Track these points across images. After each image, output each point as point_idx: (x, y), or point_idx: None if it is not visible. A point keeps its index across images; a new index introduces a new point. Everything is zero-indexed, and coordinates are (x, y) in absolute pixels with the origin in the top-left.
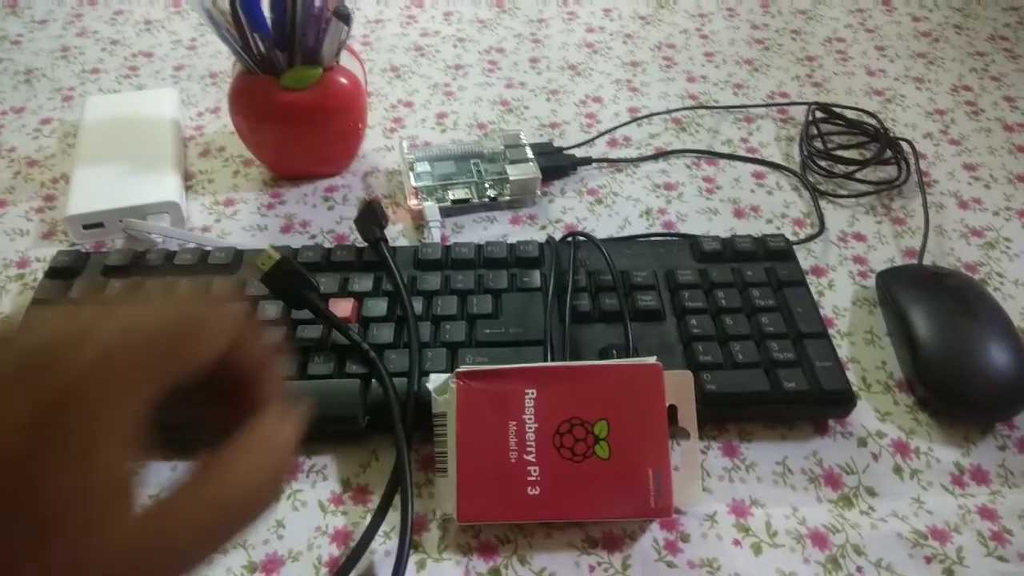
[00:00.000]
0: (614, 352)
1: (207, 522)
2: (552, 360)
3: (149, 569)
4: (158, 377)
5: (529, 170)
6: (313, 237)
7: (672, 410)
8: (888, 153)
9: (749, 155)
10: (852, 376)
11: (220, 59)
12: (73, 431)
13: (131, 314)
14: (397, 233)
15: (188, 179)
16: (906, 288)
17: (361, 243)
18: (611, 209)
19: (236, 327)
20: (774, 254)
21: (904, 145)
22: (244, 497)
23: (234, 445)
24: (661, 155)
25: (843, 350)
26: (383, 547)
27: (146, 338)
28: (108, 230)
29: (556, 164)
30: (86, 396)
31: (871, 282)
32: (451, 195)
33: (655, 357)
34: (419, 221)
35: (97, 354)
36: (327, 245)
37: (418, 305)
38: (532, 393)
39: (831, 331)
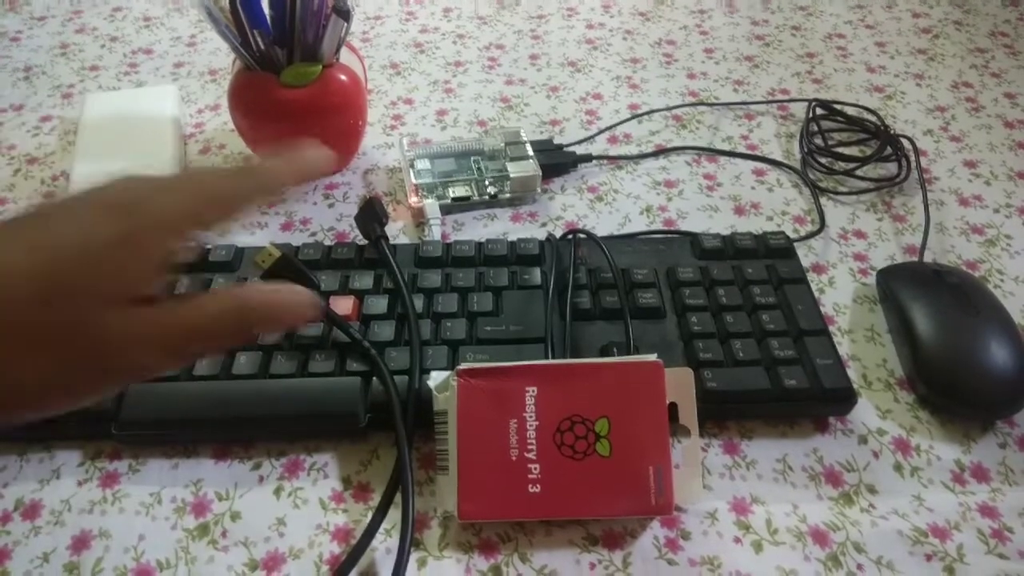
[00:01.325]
0: (615, 350)
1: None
2: (553, 358)
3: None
4: (180, 240)
5: (529, 167)
6: (313, 235)
7: (673, 408)
8: (888, 150)
9: (749, 152)
10: (853, 374)
11: (220, 56)
12: (133, 256)
13: (179, 194)
14: (397, 231)
15: None
16: (907, 285)
17: (361, 241)
18: (611, 206)
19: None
20: (775, 251)
21: (904, 142)
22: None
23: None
24: (661, 152)
25: (844, 348)
26: (384, 545)
27: (182, 215)
28: None
29: (556, 161)
30: (142, 239)
31: (872, 279)
32: (451, 192)
33: (656, 355)
34: (419, 219)
35: (158, 213)
36: (327, 243)
37: (419, 303)
38: (533, 391)
39: (832, 328)
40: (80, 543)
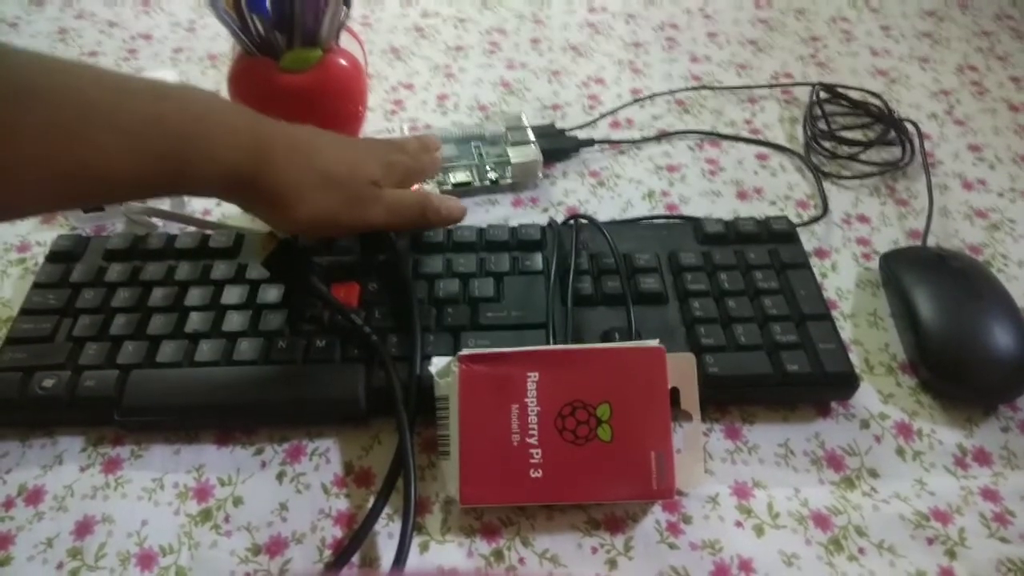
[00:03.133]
0: (616, 335)
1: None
2: (554, 343)
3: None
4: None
5: (531, 152)
6: None
7: (675, 393)
8: (892, 134)
9: (752, 136)
10: (855, 358)
11: (219, 41)
12: (379, 171)
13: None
14: None
15: None
16: (909, 270)
17: None
18: (613, 191)
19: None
20: (777, 236)
21: (908, 126)
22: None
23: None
24: (664, 136)
25: (846, 332)
26: (386, 529)
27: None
28: (108, 214)
29: (558, 146)
30: (386, 164)
31: (874, 264)
32: (452, 178)
33: (657, 340)
34: None
35: (394, 162)
36: None
37: (420, 289)
38: (534, 376)
39: (834, 313)
40: (83, 528)
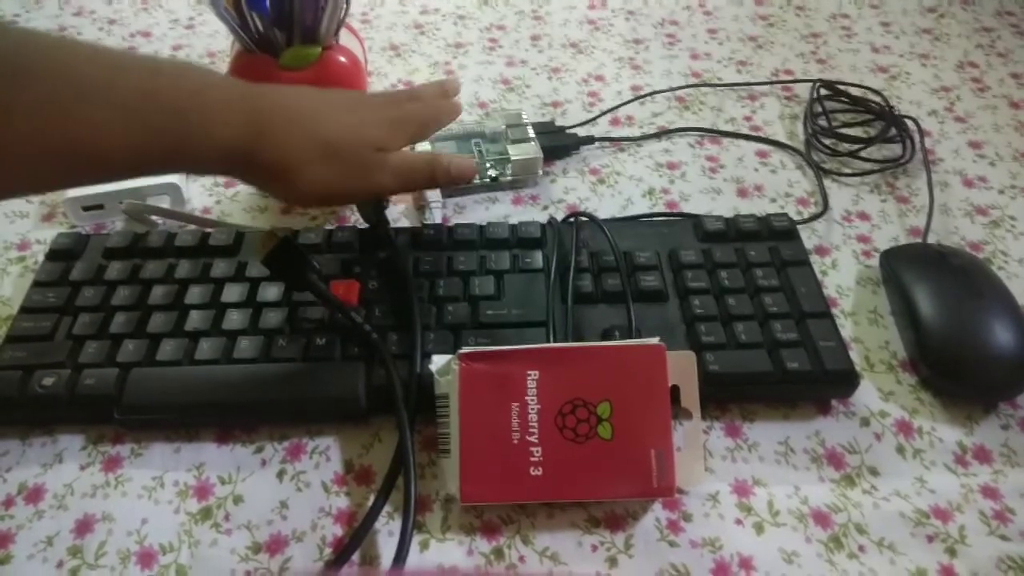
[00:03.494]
0: (617, 333)
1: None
2: (554, 341)
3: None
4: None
5: (531, 150)
6: (314, 219)
7: (675, 391)
8: (893, 131)
9: (753, 133)
10: (855, 356)
11: (218, 38)
12: (387, 133)
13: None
14: (398, 214)
15: None
16: (910, 267)
17: (362, 225)
18: (614, 189)
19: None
20: (777, 234)
21: (909, 123)
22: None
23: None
24: (664, 134)
25: (846, 330)
26: (386, 528)
27: (417, 121)
28: (108, 212)
29: (558, 144)
30: (394, 124)
31: (875, 261)
32: None
33: (658, 338)
34: (420, 202)
35: (403, 117)
36: (328, 227)
37: (420, 286)
38: (535, 374)
39: (834, 311)
40: (83, 527)
